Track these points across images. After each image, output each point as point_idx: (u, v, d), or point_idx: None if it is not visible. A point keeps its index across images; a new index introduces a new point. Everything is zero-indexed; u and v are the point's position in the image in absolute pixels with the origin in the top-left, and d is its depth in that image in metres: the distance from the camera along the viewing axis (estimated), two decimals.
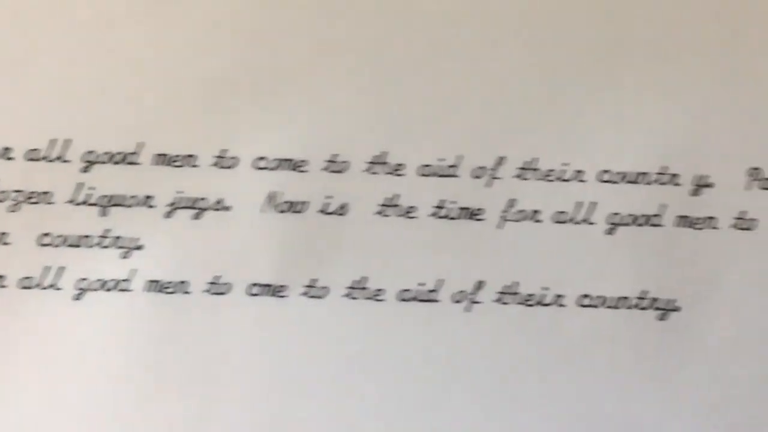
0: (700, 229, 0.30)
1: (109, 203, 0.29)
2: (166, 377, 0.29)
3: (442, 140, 0.30)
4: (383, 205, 0.30)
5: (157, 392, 0.29)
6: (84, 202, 0.29)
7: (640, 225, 0.30)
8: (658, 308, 0.30)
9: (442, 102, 0.30)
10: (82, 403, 0.29)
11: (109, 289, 0.29)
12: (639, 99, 0.30)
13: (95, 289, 0.29)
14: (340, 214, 0.30)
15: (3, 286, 0.29)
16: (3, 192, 0.29)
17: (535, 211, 0.30)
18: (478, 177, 0.30)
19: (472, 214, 0.30)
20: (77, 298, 0.29)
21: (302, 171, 0.30)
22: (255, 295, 0.29)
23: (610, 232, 0.30)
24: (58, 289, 0.29)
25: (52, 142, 0.29)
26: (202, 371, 0.29)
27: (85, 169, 0.29)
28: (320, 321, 0.30)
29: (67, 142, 0.29)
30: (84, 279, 0.29)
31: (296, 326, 0.30)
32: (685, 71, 0.30)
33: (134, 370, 0.29)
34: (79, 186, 0.29)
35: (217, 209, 0.30)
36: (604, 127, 0.30)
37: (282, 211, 0.30)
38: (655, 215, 0.30)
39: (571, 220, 0.30)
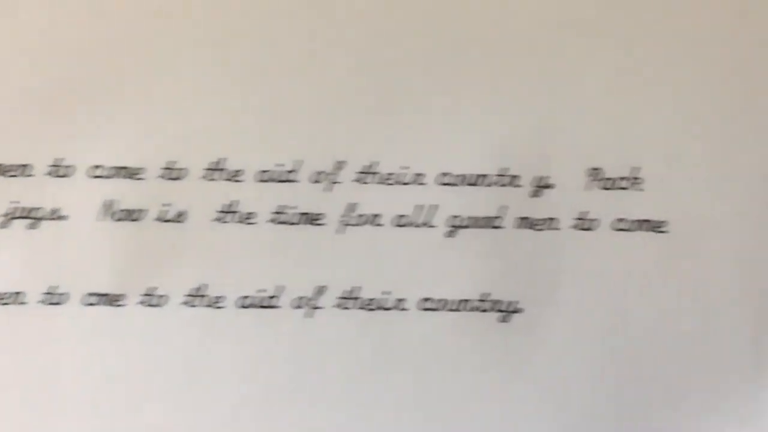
0: (540, 230, 0.30)
1: None
2: (3, 387, 0.29)
3: (280, 145, 0.30)
4: (222, 211, 0.30)
5: None
6: None
7: (480, 227, 0.30)
8: (499, 310, 0.30)
9: (279, 107, 0.30)
10: None
11: None
12: (477, 102, 0.30)
13: None
14: (178, 222, 0.30)
15: None
16: None
17: (375, 215, 0.30)
18: (317, 182, 0.30)
19: (311, 219, 0.30)
20: None
21: (138, 178, 0.29)
22: (92, 304, 0.29)
23: (450, 234, 0.30)
24: None
25: None
26: (39, 381, 0.29)
27: None
28: (159, 329, 0.29)
29: None
30: None
31: (135, 335, 0.29)
32: (523, 73, 0.30)
33: None
34: None
35: (53, 218, 0.29)
36: (443, 131, 0.30)
37: (119, 220, 0.29)
38: (496, 217, 0.30)
39: (411, 224, 0.30)
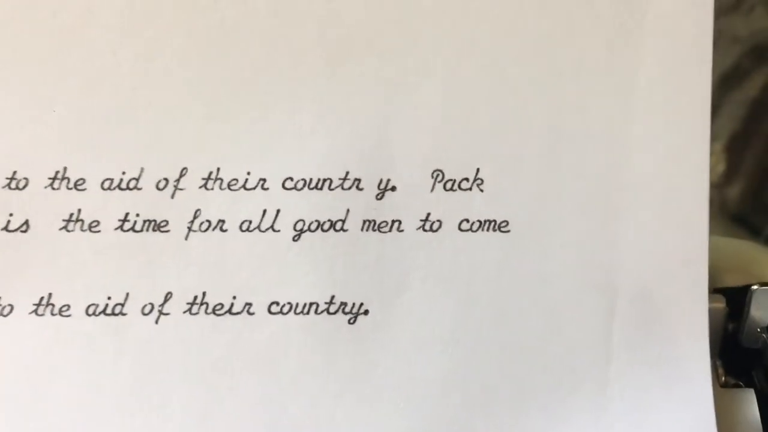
0: (385, 232, 0.30)
1: None
2: None
3: (123, 153, 0.30)
4: (67, 220, 0.30)
5: None
6: None
7: (325, 231, 0.30)
8: (346, 312, 0.30)
9: (121, 114, 0.30)
10: None
11: None
12: (318, 105, 0.30)
13: None
14: (23, 231, 0.30)
15: None
16: None
17: (221, 221, 0.30)
18: (161, 189, 0.30)
19: (157, 226, 0.30)
20: None
21: None
22: None
23: (296, 238, 0.30)
24: None
25: None
26: None
27: None
28: (6, 339, 0.30)
29: None
30: None
31: None
32: (363, 75, 0.30)
33: None
34: None
35: None
36: (285, 134, 0.30)
37: None
38: (340, 220, 0.30)
39: (257, 228, 0.30)
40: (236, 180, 0.30)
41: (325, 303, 0.30)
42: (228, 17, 0.30)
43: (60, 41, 0.30)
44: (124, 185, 0.30)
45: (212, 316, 0.30)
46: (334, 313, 0.30)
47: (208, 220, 0.30)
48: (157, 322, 0.30)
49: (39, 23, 0.29)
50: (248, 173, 0.30)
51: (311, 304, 0.30)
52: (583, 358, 0.31)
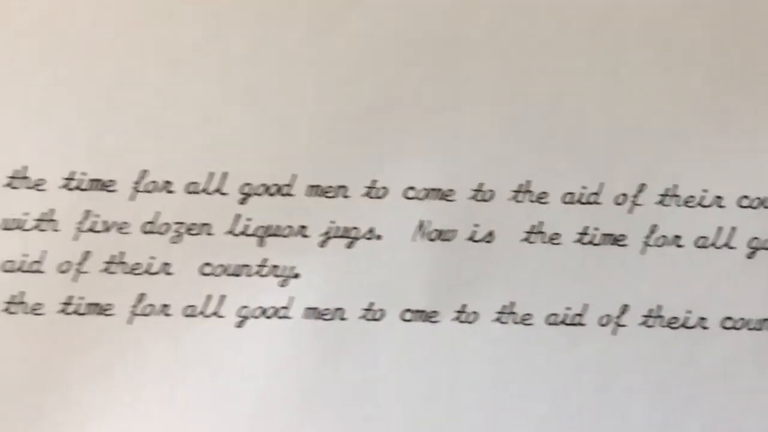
0: None
1: (265, 233, 0.31)
2: (324, 400, 0.30)
3: (584, 168, 0.31)
4: (528, 232, 0.31)
5: (316, 414, 0.30)
6: (242, 233, 0.31)
7: None
8: None
9: (584, 131, 0.31)
10: (247, 426, 0.30)
11: (269, 317, 0.30)
12: None
13: (256, 317, 0.30)
14: (488, 242, 0.31)
15: (168, 315, 0.30)
16: (165, 224, 0.30)
17: (677, 236, 0.31)
18: (620, 204, 0.31)
19: (615, 239, 0.31)
20: (239, 325, 0.30)
21: (450, 200, 0.31)
22: (408, 320, 0.30)
23: (750, 256, 0.31)
24: (221, 316, 0.30)
25: (211, 176, 0.31)
26: (358, 394, 0.30)
27: (242, 201, 0.31)
28: (471, 345, 0.30)
29: (225, 175, 0.31)
30: (245, 307, 0.30)
31: (448, 350, 0.30)
32: None
33: (294, 393, 0.30)
34: (237, 217, 0.31)
35: (369, 238, 0.31)
36: (741, 153, 0.31)
37: (431, 239, 0.31)
38: None
39: (712, 245, 0.31)
40: (693, 197, 0.31)
41: None
42: None
43: (518, 62, 0.31)
44: (584, 199, 0.31)
45: (667, 329, 0.31)
46: None
47: (664, 236, 0.31)
48: (614, 333, 0.31)
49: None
50: (704, 190, 0.31)
51: (764, 320, 0.31)
52: None
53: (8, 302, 0.30)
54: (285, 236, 0.31)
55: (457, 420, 0.30)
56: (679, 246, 0.31)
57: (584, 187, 0.31)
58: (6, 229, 0.30)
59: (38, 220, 0.30)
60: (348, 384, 0.30)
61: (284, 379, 0.30)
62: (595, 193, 0.31)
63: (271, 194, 0.31)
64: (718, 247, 0.31)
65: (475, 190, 0.31)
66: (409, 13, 0.31)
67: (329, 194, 0.31)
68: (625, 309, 0.31)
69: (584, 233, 0.31)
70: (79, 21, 0.30)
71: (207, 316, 0.30)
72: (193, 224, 0.30)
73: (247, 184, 0.31)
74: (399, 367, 0.30)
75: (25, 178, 0.30)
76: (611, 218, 0.31)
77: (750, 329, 0.31)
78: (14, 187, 0.30)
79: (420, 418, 0.30)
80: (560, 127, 0.31)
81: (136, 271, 0.30)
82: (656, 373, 0.31)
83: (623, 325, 0.31)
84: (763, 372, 0.31)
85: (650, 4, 0.31)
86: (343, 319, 0.30)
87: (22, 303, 0.30)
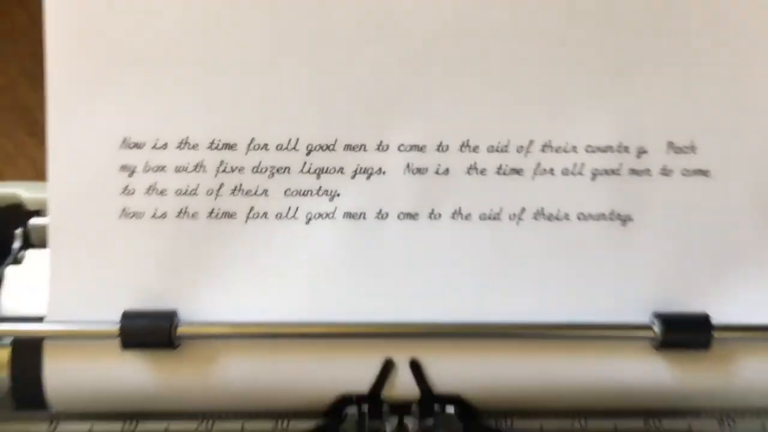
0: None
1: (320, 171, 0.54)
2: (360, 253, 0.54)
3: None
4: None
5: (353, 273, 0.54)
6: (307, 171, 0.54)
7: None
8: None
9: None
10: (307, 282, 0.54)
11: (323, 218, 0.54)
12: None
13: (315, 218, 0.54)
14: None
15: (266, 218, 0.54)
16: (265, 168, 0.54)
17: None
18: None
19: None
20: (307, 223, 0.54)
21: None
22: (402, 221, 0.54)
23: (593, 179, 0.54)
24: (296, 218, 0.54)
25: (291, 139, 0.54)
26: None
27: (308, 154, 0.54)
28: None
29: (296, 139, 0.54)
30: (309, 212, 0.54)
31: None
32: None
33: (339, 262, 0.54)
34: (304, 163, 0.54)
35: (377, 173, 0.54)
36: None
37: None
38: None
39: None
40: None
41: None
42: None
43: None
44: None
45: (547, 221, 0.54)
46: None
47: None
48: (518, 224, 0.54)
49: None
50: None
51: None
52: None
53: (180, 211, 0.53)
54: (331, 173, 0.54)
55: None
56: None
57: None
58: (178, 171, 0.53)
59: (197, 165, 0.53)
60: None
61: (332, 251, 0.54)
62: None
63: (323, 150, 0.54)
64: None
65: None
66: None
67: (355, 150, 0.54)
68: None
69: None
70: None
71: (289, 219, 0.54)
72: (279, 167, 0.54)
73: (310, 144, 0.54)
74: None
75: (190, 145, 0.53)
76: None
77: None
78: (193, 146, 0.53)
79: None
80: None
81: (249, 194, 0.54)
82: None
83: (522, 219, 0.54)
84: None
85: None
86: (364, 219, 0.54)
87: (187, 213, 0.53)
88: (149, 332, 0.51)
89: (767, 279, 0.53)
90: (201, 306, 0.52)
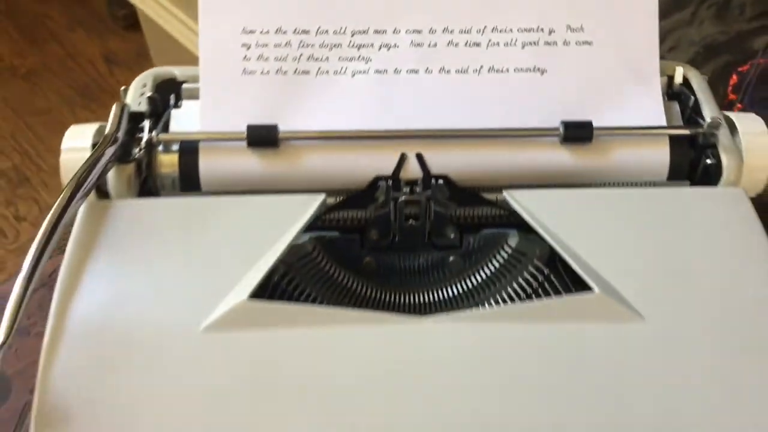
0: None
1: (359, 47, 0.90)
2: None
3: None
4: None
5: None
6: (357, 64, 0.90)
7: None
8: None
9: None
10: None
11: (360, 75, 0.90)
12: None
13: (359, 73, 0.90)
14: None
15: (342, 74, 0.89)
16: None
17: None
18: None
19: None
20: (352, 77, 0.90)
21: None
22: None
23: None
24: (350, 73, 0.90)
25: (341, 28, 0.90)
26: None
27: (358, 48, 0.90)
28: None
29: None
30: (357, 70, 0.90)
31: None
32: None
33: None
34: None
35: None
36: None
37: None
38: None
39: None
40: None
41: None
42: None
43: None
44: None
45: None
46: None
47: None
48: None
49: None
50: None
51: None
52: None
53: (277, 70, 0.89)
54: (366, 47, 0.90)
55: None
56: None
57: None
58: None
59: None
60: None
61: (367, 93, 0.89)
62: None
63: (361, 33, 0.90)
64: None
65: None
66: None
67: (380, 33, 0.90)
68: None
69: None
70: None
71: (341, 74, 0.89)
72: (335, 44, 0.90)
73: (354, 30, 0.90)
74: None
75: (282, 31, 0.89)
76: None
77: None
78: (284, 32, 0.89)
79: None
80: None
81: (318, 60, 0.89)
82: None
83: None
84: None
85: None
86: (386, 73, 0.89)
87: (281, 71, 0.89)
88: (262, 136, 0.86)
89: (630, 105, 0.89)
90: (291, 122, 0.88)
